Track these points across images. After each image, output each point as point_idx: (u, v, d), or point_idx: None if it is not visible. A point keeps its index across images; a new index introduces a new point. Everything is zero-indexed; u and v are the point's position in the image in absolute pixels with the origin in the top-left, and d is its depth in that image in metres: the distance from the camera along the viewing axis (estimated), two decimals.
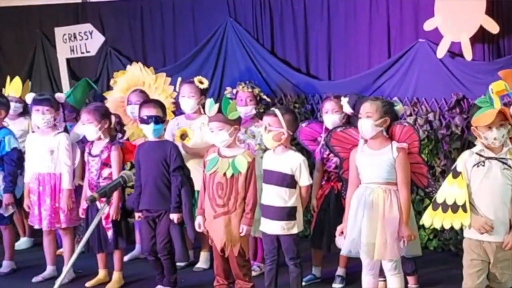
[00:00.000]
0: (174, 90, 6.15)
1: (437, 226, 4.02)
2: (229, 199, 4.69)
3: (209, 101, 4.83)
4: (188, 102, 5.74)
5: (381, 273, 4.55)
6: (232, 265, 4.82)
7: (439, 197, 4.00)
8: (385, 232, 4.30)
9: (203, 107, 5.77)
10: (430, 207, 4.06)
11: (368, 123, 4.34)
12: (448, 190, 3.96)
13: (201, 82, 5.84)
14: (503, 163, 3.90)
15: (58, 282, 3.40)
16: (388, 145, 4.38)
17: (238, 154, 4.72)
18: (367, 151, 4.43)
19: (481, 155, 3.94)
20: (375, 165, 4.36)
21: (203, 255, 5.78)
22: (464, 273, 4.03)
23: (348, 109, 5.02)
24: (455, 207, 3.90)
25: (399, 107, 4.60)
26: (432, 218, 4.01)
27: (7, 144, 5.62)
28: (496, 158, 3.91)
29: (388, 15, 6.36)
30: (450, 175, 4.02)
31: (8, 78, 6.61)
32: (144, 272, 5.65)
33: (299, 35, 6.97)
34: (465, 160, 3.97)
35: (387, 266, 4.42)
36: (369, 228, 4.32)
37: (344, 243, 4.47)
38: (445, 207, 3.94)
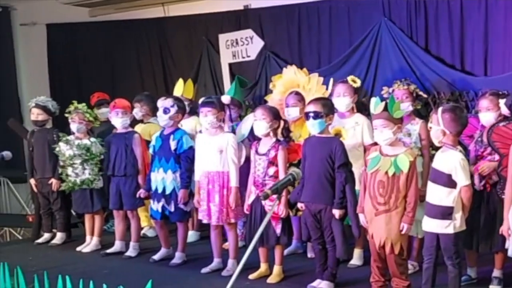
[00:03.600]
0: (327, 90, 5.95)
1: None
2: (390, 197, 4.49)
3: (374, 100, 4.67)
4: (343, 101, 5.57)
5: None
6: (390, 262, 4.63)
7: None
8: None
9: (357, 106, 5.60)
10: None
11: None
12: None
13: (354, 81, 5.62)
14: None
15: (234, 275, 3.30)
16: None
17: (400, 153, 4.51)
18: None
19: None
20: None
21: (357, 252, 5.60)
22: None
23: (505, 110, 4.70)
24: None
25: None
26: None
27: (185, 143, 5.75)
28: None
29: None
30: None
31: (181, 81, 6.70)
32: (302, 267, 5.57)
33: (454, 30, 6.55)
34: None
35: None
36: None
37: (510, 243, 4.05)
38: None
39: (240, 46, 8.01)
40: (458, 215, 4.33)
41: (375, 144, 4.78)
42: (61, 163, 6.47)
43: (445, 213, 4.32)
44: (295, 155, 5.23)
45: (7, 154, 4.96)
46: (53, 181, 6.67)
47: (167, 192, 5.76)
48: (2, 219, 9.06)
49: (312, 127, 4.95)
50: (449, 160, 4.31)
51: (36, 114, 6.82)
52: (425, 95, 5.89)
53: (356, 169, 5.13)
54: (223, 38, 8.18)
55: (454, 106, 4.58)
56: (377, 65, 7.05)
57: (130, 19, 9.15)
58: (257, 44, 7.89)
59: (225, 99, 5.64)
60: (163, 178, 5.77)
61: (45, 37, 9.78)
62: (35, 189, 6.95)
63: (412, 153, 4.60)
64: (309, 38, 7.66)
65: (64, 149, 6.44)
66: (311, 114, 4.89)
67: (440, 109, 4.43)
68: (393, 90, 5.59)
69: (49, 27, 9.76)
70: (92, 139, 6.44)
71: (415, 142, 5.26)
